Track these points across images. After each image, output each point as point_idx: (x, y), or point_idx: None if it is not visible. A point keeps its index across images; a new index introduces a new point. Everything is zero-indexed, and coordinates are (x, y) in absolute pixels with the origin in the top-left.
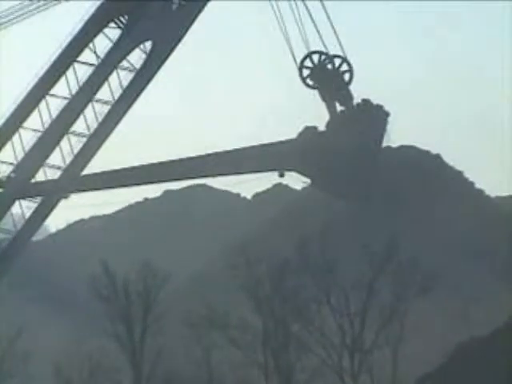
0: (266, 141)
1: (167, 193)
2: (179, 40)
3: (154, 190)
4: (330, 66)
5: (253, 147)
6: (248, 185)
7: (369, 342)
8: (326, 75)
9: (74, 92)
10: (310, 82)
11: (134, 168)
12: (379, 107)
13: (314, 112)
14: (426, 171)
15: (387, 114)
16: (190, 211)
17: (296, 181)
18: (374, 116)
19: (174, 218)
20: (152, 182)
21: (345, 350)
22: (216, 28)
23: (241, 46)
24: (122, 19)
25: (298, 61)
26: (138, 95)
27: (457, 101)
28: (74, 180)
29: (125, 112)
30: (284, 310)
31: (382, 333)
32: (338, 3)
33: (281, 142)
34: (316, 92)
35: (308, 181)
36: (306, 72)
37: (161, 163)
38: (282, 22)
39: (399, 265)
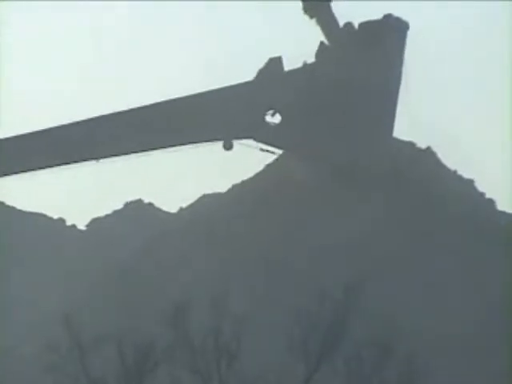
0: None
1: None
2: None
3: None
4: None
5: (176, 100)
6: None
7: None
8: None
9: None
10: None
11: None
12: (390, 17)
13: None
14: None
15: (407, 26)
16: None
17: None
18: (390, 35)
19: None
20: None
21: None
22: None
23: None
24: None
25: None
26: None
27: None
28: None
29: None
30: None
31: None
32: None
33: (225, 89)
34: None
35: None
36: None
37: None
38: None
39: (353, 350)
